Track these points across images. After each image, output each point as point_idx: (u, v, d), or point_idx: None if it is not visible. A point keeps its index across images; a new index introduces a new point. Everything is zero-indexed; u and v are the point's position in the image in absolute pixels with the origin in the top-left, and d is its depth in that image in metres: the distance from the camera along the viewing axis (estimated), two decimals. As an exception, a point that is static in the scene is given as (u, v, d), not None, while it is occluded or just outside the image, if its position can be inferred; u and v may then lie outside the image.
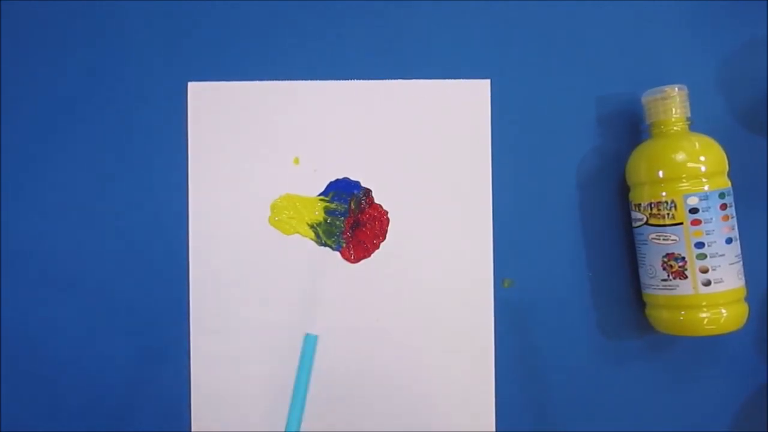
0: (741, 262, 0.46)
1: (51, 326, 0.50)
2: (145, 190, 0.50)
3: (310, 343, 0.49)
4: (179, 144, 0.50)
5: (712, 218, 0.45)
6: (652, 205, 0.46)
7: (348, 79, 0.51)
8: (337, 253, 0.50)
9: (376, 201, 0.50)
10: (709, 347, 0.51)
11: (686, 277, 0.45)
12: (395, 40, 0.51)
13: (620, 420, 0.51)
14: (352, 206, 0.50)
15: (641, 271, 0.48)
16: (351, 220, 0.50)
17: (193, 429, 0.50)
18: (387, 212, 0.50)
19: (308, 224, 0.50)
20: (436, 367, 0.50)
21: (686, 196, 0.45)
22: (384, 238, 0.50)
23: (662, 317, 0.47)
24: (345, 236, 0.50)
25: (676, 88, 0.46)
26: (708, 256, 0.44)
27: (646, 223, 0.47)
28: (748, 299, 0.46)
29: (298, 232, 0.50)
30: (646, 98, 0.48)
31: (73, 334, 0.50)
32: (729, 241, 0.45)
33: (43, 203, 0.50)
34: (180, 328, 0.50)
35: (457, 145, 0.51)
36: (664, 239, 0.46)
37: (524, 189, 0.51)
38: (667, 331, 0.47)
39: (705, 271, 0.45)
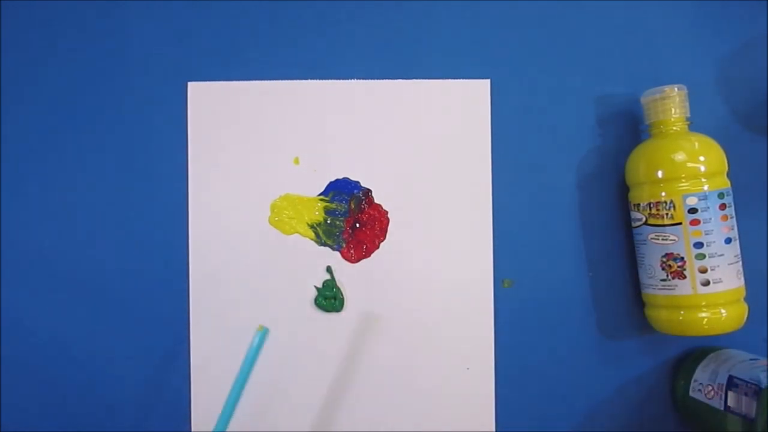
0: (740, 262, 0.46)
1: (51, 326, 0.50)
2: (145, 190, 0.50)
3: (261, 336, 0.45)
4: (179, 144, 0.50)
5: (711, 218, 0.45)
6: (652, 205, 0.46)
7: (348, 79, 0.51)
8: (337, 253, 0.50)
9: (376, 201, 0.50)
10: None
11: (685, 277, 0.45)
12: (395, 40, 0.51)
13: (620, 420, 0.51)
14: (352, 206, 0.50)
15: (640, 271, 0.48)
16: (351, 220, 0.50)
17: (193, 429, 0.50)
18: (387, 212, 0.50)
19: (308, 224, 0.50)
20: (436, 367, 0.50)
21: (685, 196, 0.45)
22: (384, 238, 0.50)
23: (661, 317, 0.47)
24: (345, 236, 0.50)
25: (676, 88, 0.46)
26: (707, 256, 0.44)
27: (646, 223, 0.47)
28: (747, 299, 0.46)
29: (298, 232, 0.50)
30: (645, 98, 0.48)
31: (73, 334, 0.50)
32: (728, 241, 0.45)
33: (44, 203, 0.50)
34: (180, 328, 0.50)
35: (457, 145, 0.51)
36: (663, 239, 0.46)
37: (524, 189, 0.51)
38: (666, 331, 0.47)
39: (704, 271, 0.45)
